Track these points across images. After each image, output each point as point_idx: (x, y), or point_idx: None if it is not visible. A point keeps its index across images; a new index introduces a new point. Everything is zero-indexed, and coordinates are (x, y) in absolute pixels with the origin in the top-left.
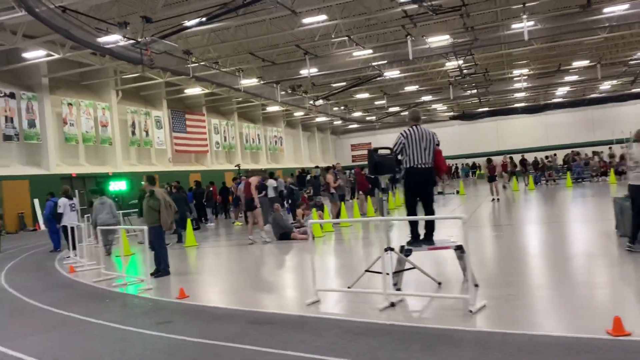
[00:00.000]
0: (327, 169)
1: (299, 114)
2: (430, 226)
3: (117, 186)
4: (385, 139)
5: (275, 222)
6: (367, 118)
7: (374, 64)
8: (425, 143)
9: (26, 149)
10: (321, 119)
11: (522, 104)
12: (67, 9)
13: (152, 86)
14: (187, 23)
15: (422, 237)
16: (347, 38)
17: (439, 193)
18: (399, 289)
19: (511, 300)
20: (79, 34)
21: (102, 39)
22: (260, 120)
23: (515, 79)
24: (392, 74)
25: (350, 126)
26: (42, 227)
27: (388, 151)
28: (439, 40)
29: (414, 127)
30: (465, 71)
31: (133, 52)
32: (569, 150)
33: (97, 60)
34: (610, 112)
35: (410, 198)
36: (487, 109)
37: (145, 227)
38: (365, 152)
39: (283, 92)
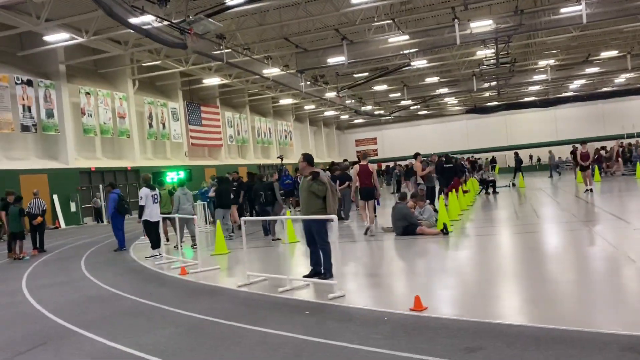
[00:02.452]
0: (354, 163)
1: (309, 107)
2: None
3: (174, 178)
4: (392, 134)
5: (399, 214)
6: (376, 112)
7: (406, 51)
8: None
9: (43, 141)
10: (330, 112)
11: (533, 98)
12: None
13: (167, 76)
14: (230, 2)
15: None
16: (390, 21)
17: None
18: None
19: None
20: (120, 11)
21: (140, 19)
22: (271, 114)
23: (537, 70)
24: (420, 63)
25: (356, 121)
26: (63, 224)
27: None
28: (483, 25)
29: None
30: (502, 59)
31: (168, 35)
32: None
33: (114, 47)
34: (620, 106)
35: None
36: (496, 103)
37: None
38: (371, 147)
39: (306, 83)
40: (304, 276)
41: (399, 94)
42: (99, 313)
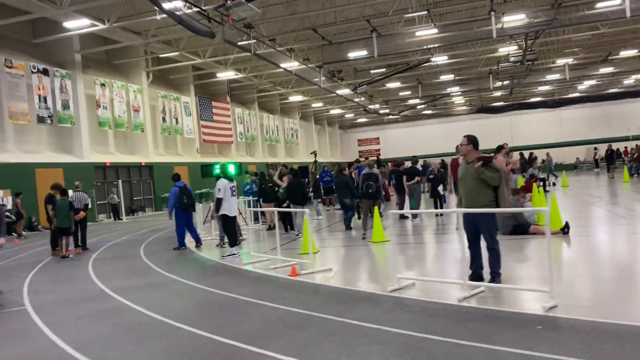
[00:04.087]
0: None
1: (316, 105)
2: None
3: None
4: (395, 134)
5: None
6: (382, 111)
7: (432, 46)
8: None
9: (57, 134)
10: (335, 111)
11: (539, 99)
12: None
13: (180, 70)
14: None
15: None
16: (425, 12)
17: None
18: None
19: None
20: None
21: (172, 4)
22: (278, 111)
23: (553, 69)
24: (441, 59)
25: (359, 120)
26: None
27: None
28: (515, 19)
29: None
30: (528, 56)
31: (197, 22)
32: (583, 146)
33: (131, 37)
34: (626, 108)
35: None
36: (502, 103)
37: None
38: (374, 147)
39: (323, 78)
40: (471, 278)
41: (409, 92)
42: (256, 326)
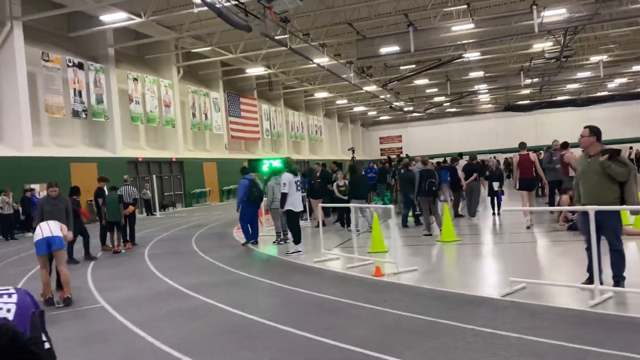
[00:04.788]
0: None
1: (341, 102)
2: None
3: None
4: (418, 132)
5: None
6: (406, 108)
7: (468, 41)
8: None
9: (90, 128)
10: (359, 108)
11: (566, 97)
12: None
13: (209, 65)
14: None
15: None
16: (464, 7)
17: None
18: None
19: None
20: None
21: None
22: (303, 108)
23: (586, 66)
24: (473, 55)
25: (381, 118)
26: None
27: None
28: (556, 13)
29: None
30: (565, 52)
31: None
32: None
33: (164, 32)
34: None
35: None
36: (529, 101)
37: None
38: (396, 145)
39: (352, 74)
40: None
41: (436, 90)
42: (375, 331)
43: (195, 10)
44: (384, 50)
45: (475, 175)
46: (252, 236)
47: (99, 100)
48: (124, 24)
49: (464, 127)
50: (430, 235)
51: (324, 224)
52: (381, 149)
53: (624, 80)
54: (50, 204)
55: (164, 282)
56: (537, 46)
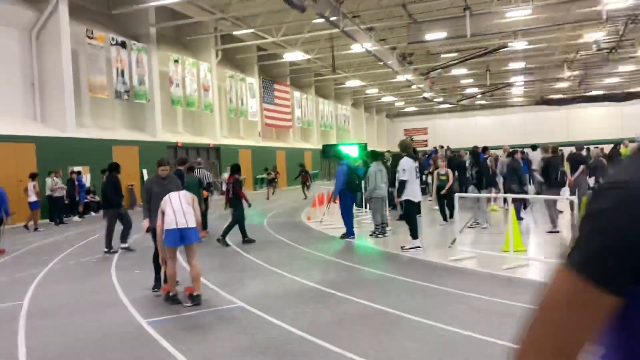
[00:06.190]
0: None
1: (371, 91)
2: None
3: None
4: (444, 125)
5: None
6: (438, 99)
7: (522, 28)
8: None
9: (131, 110)
10: (387, 98)
11: (601, 92)
12: None
13: (244, 49)
14: None
15: None
16: None
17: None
18: None
19: None
20: None
21: None
22: (332, 97)
23: (633, 59)
24: (520, 45)
25: (407, 109)
26: None
27: None
28: (617, 0)
29: None
30: (622, 42)
31: None
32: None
33: (204, 13)
34: None
35: None
36: (561, 95)
37: None
38: (421, 137)
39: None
40: None
41: (471, 80)
42: None
43: None
44: (435, 35)
45: (582, 167)
46: (351, 231)
47: (141, 82)
48: (166, 2)
49: (491, 120)
50: (558, 232)
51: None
52: None
53: None
54: (160, 185)
55: (287, 277)
56: (589, 36)
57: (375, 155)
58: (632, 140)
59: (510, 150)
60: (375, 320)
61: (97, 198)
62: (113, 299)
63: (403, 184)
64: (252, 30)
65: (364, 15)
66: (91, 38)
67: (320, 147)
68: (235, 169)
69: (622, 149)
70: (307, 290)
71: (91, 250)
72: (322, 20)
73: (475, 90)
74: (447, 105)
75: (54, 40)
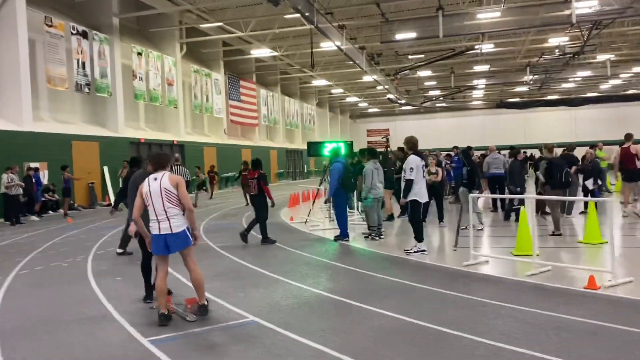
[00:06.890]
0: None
1: (336, 91)
2: None
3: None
4: (406, 126)
5: None
6: (402, 100)
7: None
8: None
9: (91, 104)
10: (351, 99)
11: (556, 97)
12: None
13: (210, 44)
14: None
15: None
16: None
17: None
18: None
19: None
20: None
21: None
22: (297, 95)
23: (591, 64)
24: (487, 47)
25: (369, 110)
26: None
27: None
28: (584, 6)
29: None
30: (587, 47)
31: None
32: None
33: (165, 4)
34: None
35: None
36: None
37: None
38: (383, 138)
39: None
40: None
41: (434, 82)
42: None
43: None
44: (406, 35)
45: (574, 168)
46: (345, 232)
47: (103, 74)
48: None
49: (451, 122)
50: (560, 235)
51: (392, 217)
52: (368, 142)
53: (617, 82)
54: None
55: (293, 286)
56: (553, 40)
57: (373, 153)
58: (606, 143)
59: (512, 150)
60: (418, 337)
61: (57, 197)
62: (101, 311)
63: (410, 183)
64: (218, 24)
65: (336, 13)
66: (50, 26)
67: (285, 145)
68: (258, 164)
69: (598, 152)
70: (323, 300)
71: (59, 253)
72: (293, 16)
73: (437, 92)
74: (410, 107)
75: (9, 27)
